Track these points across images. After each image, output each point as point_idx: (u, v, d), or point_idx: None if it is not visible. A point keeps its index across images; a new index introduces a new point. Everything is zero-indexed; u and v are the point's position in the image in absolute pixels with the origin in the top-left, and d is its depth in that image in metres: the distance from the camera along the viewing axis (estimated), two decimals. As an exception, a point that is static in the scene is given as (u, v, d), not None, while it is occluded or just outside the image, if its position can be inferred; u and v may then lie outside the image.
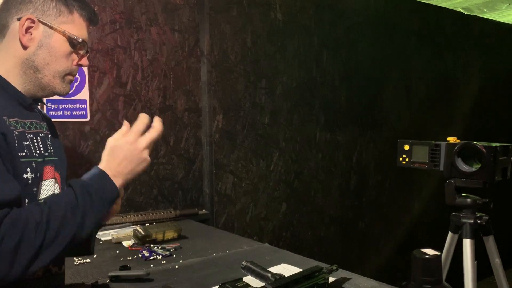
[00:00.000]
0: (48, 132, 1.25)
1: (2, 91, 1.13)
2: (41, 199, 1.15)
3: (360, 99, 3.14)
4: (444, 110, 3.75)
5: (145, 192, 2.22)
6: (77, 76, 1.99)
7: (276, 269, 1.37)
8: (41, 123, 1.23)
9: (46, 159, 1.17)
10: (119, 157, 1.14)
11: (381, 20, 3.24)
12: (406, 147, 1.99)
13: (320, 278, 1.19)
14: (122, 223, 1.96)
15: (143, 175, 2.20)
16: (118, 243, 1.78)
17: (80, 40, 1.18)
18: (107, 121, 2.10)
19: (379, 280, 1.35)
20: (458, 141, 1.88)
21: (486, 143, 1.80)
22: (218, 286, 1.15)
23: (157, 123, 1.18)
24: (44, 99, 1.32)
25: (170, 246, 1.72)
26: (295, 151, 2.80)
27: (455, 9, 3.70)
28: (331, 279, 1.27)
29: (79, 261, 1.56)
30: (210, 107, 2.39)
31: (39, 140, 1.17)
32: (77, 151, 2.02)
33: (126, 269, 1.46)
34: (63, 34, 1.16)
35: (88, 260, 1.58)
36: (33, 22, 1.14)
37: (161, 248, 1.68)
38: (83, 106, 2.03)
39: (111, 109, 2.12)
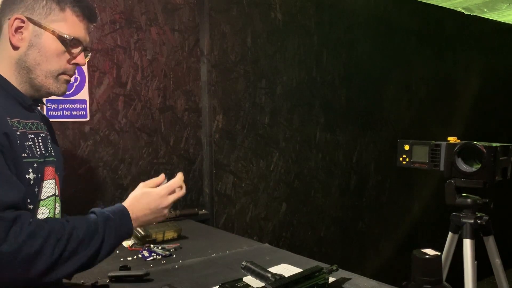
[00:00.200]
0: (48, 133, 1.24)
1: (3, 91, 1.12)
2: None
3: (360, 99, 3.14)
4: (444, 110, 3.75)
5: (145, 192, 2.22)
6: (77, 76, 1.99)
7: (276, 269, 1.37)
8: (41, 123, 1.23)
9: (46, 159, 1.17)
10: (144, 204, 1.18)
11: (381, 20, 3.24)
12: (406, 147, 1.99)
13: (320, 278, 1.19)
14: (122, 223, 1.95)
15: (143, 175, 2.20)
16: (118, 243, 1.78)
17: (71, 38, 1.15)
18: (107, 121, 2.10)
19: (379, 280, 1.35)
20: (458, 141, 1.88)
21: (486, 143, 1.80)
22: (218, 286, 1.15)
23: (184, 186, 1.23)
24: (44, 99, 1.30)
25: (170, 246, 1.72)
26: (295, 151, 2.80)
27: (455, 9, 3.70)
28: (331, 279, 1.27)
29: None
30: (210, 107, 2.39)
31: (40, 141, 1.17)
32: (77, 151, 2.02)
33: (126, 269, 1.46)
34: (53, 32, 1.13)
35: (88, 260, 1.57)
36: (23, 21, 1.12)
37: (161, 248, 1.68)
38: (83, 106, 2.03)
39: (111, 109, 2.12)
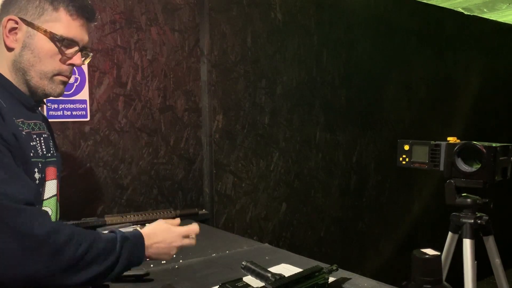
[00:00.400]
0: (49, 133, 1.25)
1: (6, 92, 1.12)
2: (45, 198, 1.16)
3: (360, 99, 3.14)
4: (444, 110, 3.75)
5: (145, 192, 2.22)
6: (77, 76, 1.99)
7: (276, 269, 1.37)
8: (43, 124, 1.23)
9: (48, 160, 1.18)
10: (161, 237, 1.16)
11: (381, 20, 3.24)
12: (406, 147, 1.99)
13: (320, 278, 1.19)
14: (122, 223, 1.96)
15: (143, 175, 2.20)
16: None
17: (63, 38, 1.13)
18: (107, 121, 2.11)
19: (379, 280, 1.35)
20: (458, 141, 1.88)
21: (486, 143, 1.80)
22: (218, 286, 1.15)
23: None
24: (44, 100, 1.29)
25: (170, 246, 1.72)
26: (295, 151, 2.80)
27: (455, 9, 3.70)
28: (331, 279, 1.27)
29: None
30: (210, 107, 2.39)
31: (42, 141, 1.18)
32: (77, 151, 2.02)
33: (126, 269, 1.46)
34: (45, 33, 1.11)
35: (88, 260, 1.57)
36: (16, 22, 1.10)
37: (161, 248, 1.68)
38: (83, 106, 2.04)
39: (111, 109, 2.12)
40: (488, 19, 4.02)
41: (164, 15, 2.25)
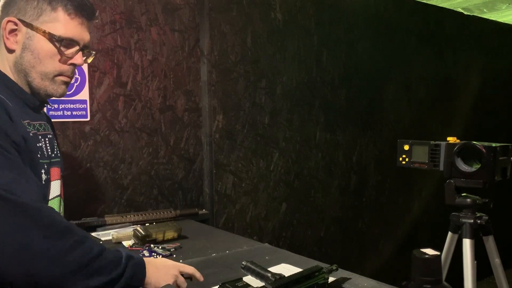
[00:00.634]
0: (53, 133, 1.25)
1: (11, 92, 1.11)
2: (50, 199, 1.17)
3: (360, 99, 3.14)
4: (444, 110, 3.75)
5: (145, 192, 2.22)
6: (77, 76, 2.00)
7: (276, 269, 1.37)
8: (47, 124, 1.23)
9: (53, 160, 1.18)
10: (159, 263, 1.13)
11: (381, 20, 3.24)
12: (406, 147, 1.99)
13: (320, 278, 1.19)
14: (122, 223, 1.96)
15: (143, 175, 2.21)
16: (118, 243, 1.78)
17: (62, 39, 1.12)
18: (107, 121, 2.11)
19: (379, 280, 1.35)
20: (458, 141, 1.88)
21: (486, 143, 1.80)
22: (218, 286, 1.15)
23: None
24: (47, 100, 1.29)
25: (170, 246, 1.72)
26: (295, 151, 2.80)
27: (455, 9, 3.70)
28: (331, 279, 1.27)
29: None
30: (210, 107, 2.39)
31: (47, 142, 1.18)
32: (77, 151, 2.02)
33: (126, 269, 1.46)
34: (44, 34, 1.10)
35: (88, 260, 1.57)
36: (16, 24, 1.10)
37: (161, 248, 1.68)
38: (83, 106, 2.04)
39: (111, 109, 2.12)
40: (488, 19, 4.02)
41: (164, 15, 2.26)
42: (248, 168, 2.59)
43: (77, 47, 1.16)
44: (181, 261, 1.56)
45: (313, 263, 1.46)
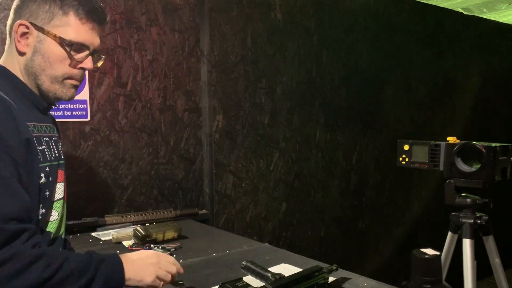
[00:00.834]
0: (57, 135, 1.25)
1: (20, 94, 1.12)
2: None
3: (360, 99, 3.14)
4: (444, 110, 3.75)
5: (145, 192, 2.22)
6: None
7: (276, 269, 1.37)
8: (53, 126, 1.23)
9: (56, 162, 1.18)
10: (136, 257, 1.10)
11: (381, 20, 3.24)
12: (406, 147, 1.99)
13: (320, 278, 1.19)
14: (122, 223, 1.96)
15: (143, 175, 2.21)
16: (118, 243, 1.78)
17: (73, 43, 1.13)
18: (107, 121, 2.11)
19: (379, 280, 1.35)
20: (457, 141, 1.88)
21: (486, 143, 1.80)
22: (218, 286, 1.16)
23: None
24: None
25: (170, 246, 1.72)
26: (295, 151, 2.80)
27: (455, 9, 3.70)
28: (331, 279, 1.27)
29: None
30: (210, 107, 2.39)
31: (53, 144, 1.18)
32: (78, 151, 2.02)
33: (126, 269, 1.46)
34: (54, 38, 1.11)
35: (88, 260, 1.57)
36: (27, 27, 1.11)
37: (161, 248, 1.68)
38: (84, 106, 2.04)
39: (111, 109, 2.12)
40: (487, 19, 4.02)
41: (164, 15, 2.26)
42: (248, 168, 2.59)
43: (87, 52, 1.17)
44: (181, 261, 1.56)
45: (313, 263, 1.46)
